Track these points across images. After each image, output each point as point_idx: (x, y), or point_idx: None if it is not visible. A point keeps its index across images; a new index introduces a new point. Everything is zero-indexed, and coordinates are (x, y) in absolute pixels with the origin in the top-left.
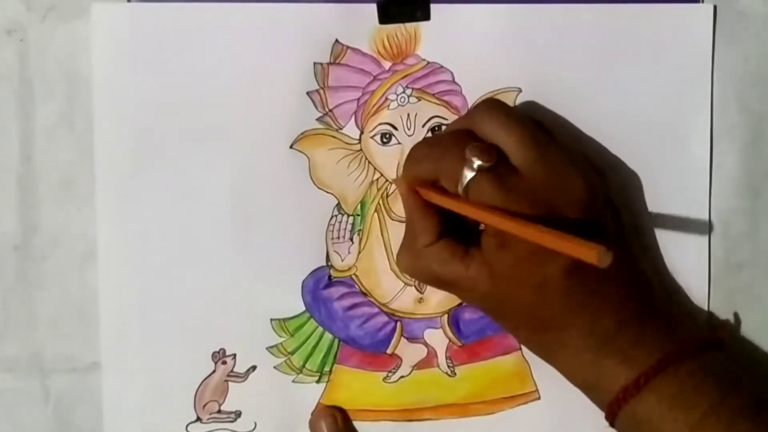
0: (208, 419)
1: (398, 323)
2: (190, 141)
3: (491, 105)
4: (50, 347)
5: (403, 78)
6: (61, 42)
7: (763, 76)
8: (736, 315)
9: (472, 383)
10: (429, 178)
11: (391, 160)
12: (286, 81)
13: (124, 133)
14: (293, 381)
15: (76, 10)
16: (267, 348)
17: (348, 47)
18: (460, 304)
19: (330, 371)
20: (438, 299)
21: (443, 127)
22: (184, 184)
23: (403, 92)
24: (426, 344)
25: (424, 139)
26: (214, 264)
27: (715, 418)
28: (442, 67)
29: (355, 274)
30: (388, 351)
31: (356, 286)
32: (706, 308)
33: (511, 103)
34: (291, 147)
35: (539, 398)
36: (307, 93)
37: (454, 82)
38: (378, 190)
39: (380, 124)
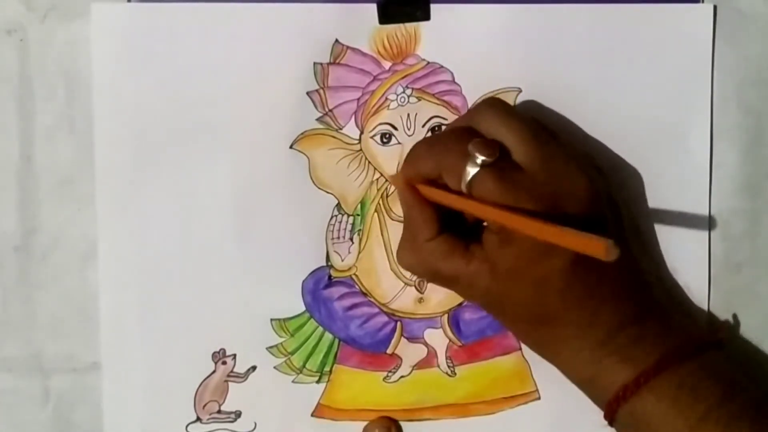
0: (208, 419)
1: (398, 323)
2: (189, 141)
3: (493, 103)
4: (50, 347)
5: (403, 78)
6: (61, 42)
7: (763, 76)
8: (735, 316)
9: (472, 383)
10: (430, 175)
11: (391, 160)
12: (286, 81)
13: (124, 133)
14: (293, 381)
15: (76, 10)
16: (267, 348)
17: (348, 47)
18: (460, 304)
19: (330, 371)
20: (438, 299)
21: (443, 127)
22: (183, 184)
23: (403, 92)
24: (426, 344)
25: (425, 138)
26: (214, 264)
27: (714, 418)
28: (442, 67)
29: (355, 274)
30: (388, 351)
31: (356, 286)
32: (706, 308)
33: (511, 103)
34: (291, 147)
35: (539, 398)
36: (307, 93)
37: (454, 82)
38: (378, 190)
39: (380, 124)
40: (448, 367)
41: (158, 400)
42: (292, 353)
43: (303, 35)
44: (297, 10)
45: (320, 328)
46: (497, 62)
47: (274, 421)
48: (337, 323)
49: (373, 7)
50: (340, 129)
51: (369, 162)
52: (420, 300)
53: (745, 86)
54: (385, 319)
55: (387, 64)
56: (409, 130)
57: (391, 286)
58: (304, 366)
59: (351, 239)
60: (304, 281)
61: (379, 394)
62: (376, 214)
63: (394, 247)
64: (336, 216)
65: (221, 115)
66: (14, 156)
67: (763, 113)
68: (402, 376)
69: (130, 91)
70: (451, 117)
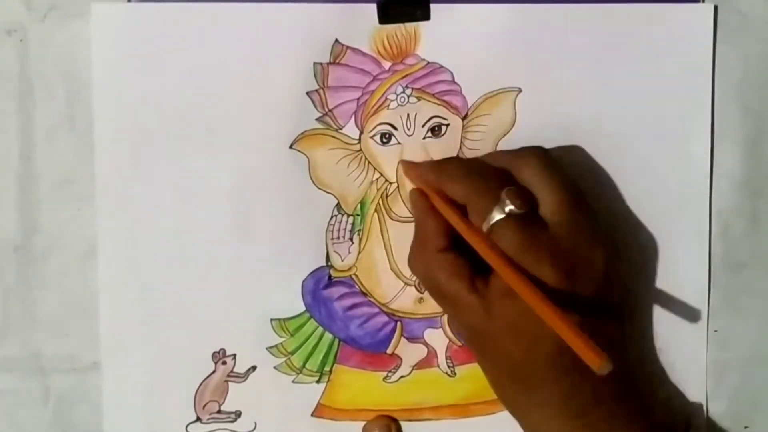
0: (208, 419)
1: (398, 323)
2: (189, 141)
3: (538, 153)
4: (50, 347)
5: (403, 78)
6: (61, 42)
7: (763, 76)
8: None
9: (472, 383)
10: (455, 199)
11: (391, 160)
12: (286, 81)
13: (124, 133)
14: (293, 381)
15: (76, 10)
16: (267, 348)
17: (348, 47)
18: None
19: (330, 371)
20: None
21: (443, 128)
22: (183, 184)
23: (403, 92)
24: (426, 344)
25: (462, 159)
26: (214, 264)
27: None
28: (442, 67)
29: (355, 274)
30: (388, 351)
31: (356, 286)
32: (706, 308)
33: (511, 103)
34: (291, 147)
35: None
36: (307, 93)
37: (454, 82)
38: (378, 190)
39: (380, 124)
40: (448, 367)
41: (158, 400)
42: (292, 353)
43: (303, 35)
44: (297, 10)
45: (320, 328)
46: (497, 62)
47: (274, 421)
48: (337, 323)
49: (373, 7)
50: (340, 129)
51: (369, 162)
52: (420, 300)
53: (745, 86)
54: (385, 319)
55: (387, 64)
56: (408, 130)
57: (391, 286)
58: (304, 366)
59: (351, 239)
60: (304, 281)
61: (379, 394)
62: (376, 214)
63: (394, 247)
64: (336, 216)
65: (221, 115)
66: (14, 156)
67: (763, 113)
68: (402, 376)
69: (130, 91)
70: (451, 117)
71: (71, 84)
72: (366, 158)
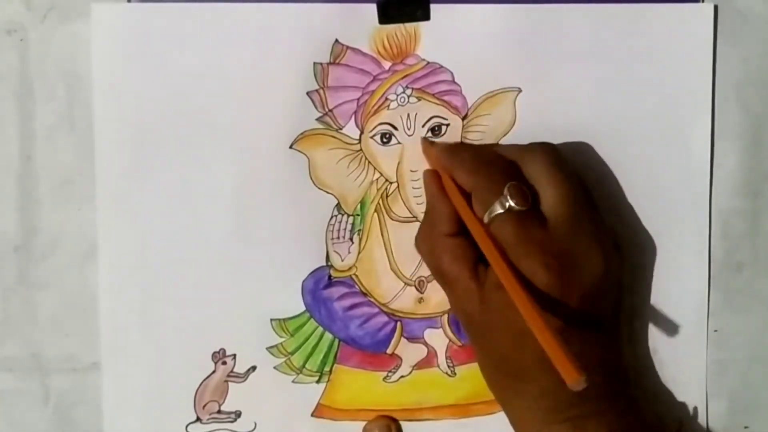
0: (208, 419)
1: (398, 323)
2: (189, 141)
3: (547, 150)
4: (50, 347)
5: (403, 78)
6: (61, 42)
7: (763, 76)
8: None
9: (472, 383)
10: (460, 184)
11: (391, 160)
12: (286, 81)
13: (124, 133)
14: (293, 381)
15: (76, 10)
16: (267, 348)
17: (348, 47)
18: None
19: (330, 371)
20: (438, 299)
21: (443, 128)
22: (184, 184)
23: (403, 92)
24: (426, 344)
25: (478, 148)
26: (214, 264)
27: None
28: (442, 67)
29: (355, 274)
30: (388, 351)
31: (356, 286)
32: (706, 308)
33: (511, 103)
34: (291, 147)
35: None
36: (307, 93)
37: (454, 82)
38: (378, 190)
39: (380, 124)
40: (448, 367)
41: (158, 400)
42: (292, 353)
43: (303, 35)
44: (297, 10)
45: (320, 328)
46: (497, 62)
47: (274, 421)
48: (337, 323)
49: (373, 7)
50: (340, 129)
51: (369, 162)
52: (420, 300)
53: (745, 86)
54: (385, 319)
55: (387, 64)
56: (409, 130)
57: (391, 286)
58: (304, 366)
59: (351, 239)
60: (304, 281)
61: (379, 394)
62: (376, 214)
63: (395, 247)
64: (336, 216)
65: (221, 115)
66: (14, 156)
67: (763, 113)
68: (402, 376)
69: (130, 91)
70: (451, 117)
71: (71, 84)
72: (366, 158)
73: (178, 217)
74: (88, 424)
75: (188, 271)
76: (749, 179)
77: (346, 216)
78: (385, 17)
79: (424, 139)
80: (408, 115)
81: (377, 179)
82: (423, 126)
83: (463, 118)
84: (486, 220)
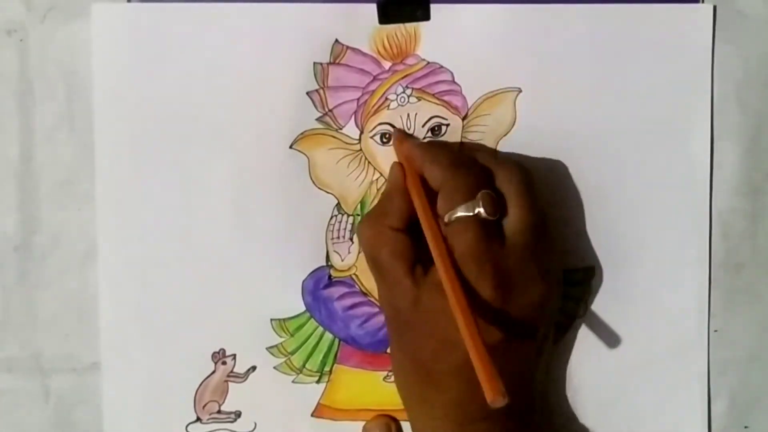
0: (208, 419)
1: None
2: (189, 141)
3: (522, 171)
4: (50, 347)
5: (403, 78)
6: (61, 42)
7: (763, 76)
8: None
9: None
10: (431, 183)
11: (391, 160)
12: (286, 81)
13: (124, 133)
14: (293, 381)
15: (76, 10)
16: (267, 348)
17: (348, 47)
18: None
19: (330, 371)
20: None
21: (443, 128)
22: (183, 184)
23: (403, 92)
24: None
25: (455, 149)
26: (214, 264)
27: None
28: (442, 67)
29: (355, 273)
30: (389, 350)
31: (356, 286)
32: (706, 308)
33: (511, 103)
34: (291, 147)
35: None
36: (307, 93)
37: (454, 82)
38: (378, 190)
39: (380, 124)
40: None
41: (158, 400)
42: (292, 353)
43: (303, 35)
44: (297, 10)
45: (320, 328)
46: (497, 62)
47: (274, 421)
48: (337, 323)
49: (373, 7)
50: (340, 129)
51: (369, 162)
52: None
53: (745, 86)
54: None
55: (387, 64)
56: (408, 130)
57: None
58: (304, 366)
59: (351, 239)
60: (304, 281)
61: (379, 393)
62: None
63: None
64: (336, 216)
65: (221, 115)
66: (14, 156)
67: (763, 113)
68: None
69: (130, 91)
70: (451, 117)
71: (71, 84)
72: (366, 158)
73: (178, 216)
74: (88, 424)
75: (188, 271)
76: (749, 179)
77: (346, 216)
78: (385, 17)
79: (397, 132)
80: (408, 115)
81: (377, 179)
82: (423, 126)
83: (463, 118)
84: (447, 219)
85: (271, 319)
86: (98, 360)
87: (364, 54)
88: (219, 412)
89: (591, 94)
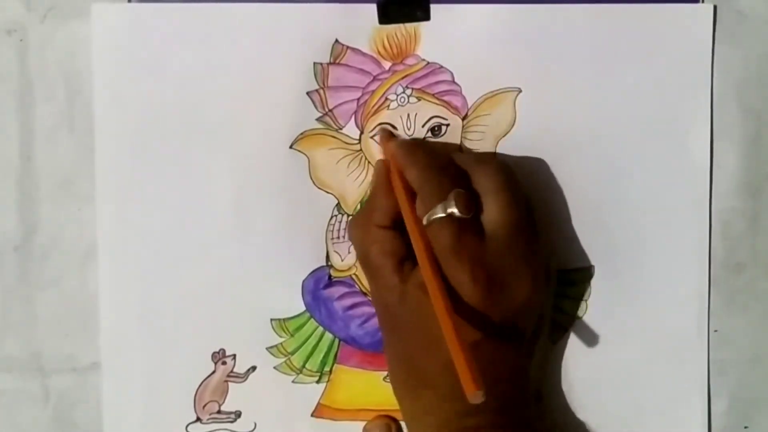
0: (208, 419)
1: None
2: (190, 141)
3: (500, 167)
4: (50, 347)
5: (403, 78)
6: (61, 42)
7: (763, 76)
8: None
9: None
10: (411, 185)
11: None
12: (286, 81)
13: (124, 133)
14: (293, 381)
15: (76, 10)
16: (267, 348)
17: (348, 47)
18: None
19: (330, 371)
20: None
21: (443, 128)
22: (184, 184)
23: (403, 92)
24: None
25: (435, 149)
26: (214, 264)
27: None
28: (442, 67)
29: (355, 273)
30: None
31: (356, 286)
32: (706, 308)
33: (511, 103)
34: (291, 147)
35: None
36: (307, 93)
37: (454, 82)
38: None
39: (380, 124)
40: None
41: (158, 400)
42: (292, 353)
43: (303, 35)
44: (297, 10)
45: (320, 328)
46: (497, 62)
47: (274, 421)
48: (337, 323)
49: (373, 7)
50: (340, 129)
51: (369, 162)
52: None
53: (745, 86)
54: None
55: (387, 64)
56: (409, 130)
57: None
58: (304, 366)
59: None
60: (304, 281)
61: (379, 394)
62: None
63: None
64: (336, 216)
65: (221, 115)
66: (14, 156)
67: (763, 113)
68: None
69: (130, 91)
70: (451, 117)
71: (71, 84)
72: (366, 158)
73: (178, 217)
74: (88, 424)
75: (188, 271)
76: (749, 179)
77: (346, 216)
78: (385, 17)
79: (383, 131)
80: (408, 115)
81: (372, 179)
82: (423, 126)
83: (463, 118)
84: (425, 221)
85: (271, 319)
86: (98, 360)
87: (364, 54)
88: (219, 412)
89: (591, 94)
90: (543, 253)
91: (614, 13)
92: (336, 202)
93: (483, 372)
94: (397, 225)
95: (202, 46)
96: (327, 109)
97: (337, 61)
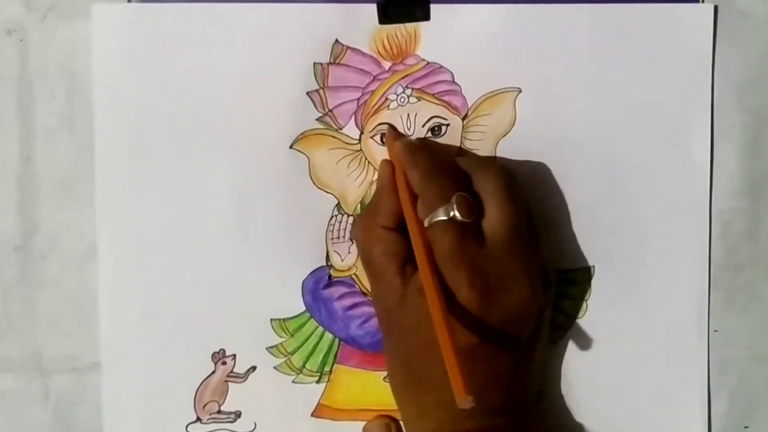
0: (208, 419)
1: None
2: (189, 141)
3: (502, 171)
4: (50, 347)
5: (403, 78)
6: (61, 42)
7: (763, 76)
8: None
9: None
10: (411, 185)
11: None
12: (286, 81)
13: (124, 133)
14: (293, 381)
15: (76, 10)
16: (267, 348)
17: (348, 47)
18: None
19: (330, 371)
20: None
21: (443, 128)
22: (184, 184)
23: (403, 92)
24: None
25: (438, 150)
26: (214, 264)
27: None
28: (441, 67)
29: (355, 273)
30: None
31: (356, 286)
32: (706, 308)
33: (511, 103)
34: (291, 147)
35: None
36: (307, 93)
37: (453, 82)
38: None
39: (380, 124)
40: None
41: (158, 400)
42: (292, 353)
43: (303, 35)
44: (297, 10)
45: (320, 328)
46: (497, 62)
47: (274, 421)
48: (337, 323)
49: (373, 7)
50: (340, 129)
51: (369, 162)
52: None
53: (745, 86)
54: None
55: (387, 64)
56: (408, 130)
57: None
58: (304, 366)
59: (351, 239)
60: (304, 281)
61: (379, 394)
62: None
63: None
64: (336, 216)
65: (221, 115)
66: (14, 156)
67: (763, 113)
68: None
69: (130, 91)
70: (451, 117)
71: (71, 84)
72: (366, 158)
73: (178, 217)
74: (88, 424)
75: (188, 271)
76: (749, 179)
77: (346, 216)
78: (385, 17)
79: (390, 130)
80: (408, 115)
81: (377, 179)
82: (423, 126)
83: (463, 118)
84: (426, 224)
85: (271, 319)
86: (98, 360)
87: (364, 54)
88: (219, 412)
89: (591, 94)
90: (542, 257)
91: (614, 13)
92: (336, 202)
93: (481, 375)
94: (401, 227)
95: (202, 46)
96: (327, 109)
97: (337, 61)
